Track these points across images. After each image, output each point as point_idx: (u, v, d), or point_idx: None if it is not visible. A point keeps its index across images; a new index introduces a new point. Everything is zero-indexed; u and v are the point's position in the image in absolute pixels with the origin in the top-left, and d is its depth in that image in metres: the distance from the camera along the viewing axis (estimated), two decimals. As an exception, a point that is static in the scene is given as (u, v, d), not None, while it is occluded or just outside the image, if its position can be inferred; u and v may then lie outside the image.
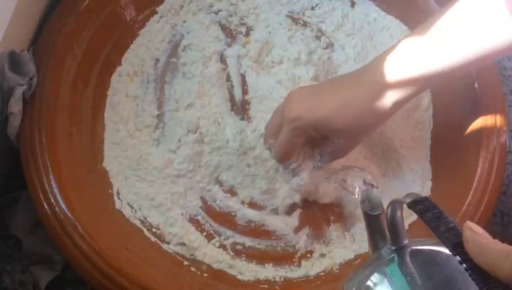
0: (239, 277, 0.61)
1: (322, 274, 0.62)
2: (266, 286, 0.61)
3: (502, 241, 0.67)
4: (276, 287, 0.61)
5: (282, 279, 0.62)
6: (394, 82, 0.56)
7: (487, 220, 0.60)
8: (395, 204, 0.42)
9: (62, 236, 0.57)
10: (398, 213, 0.43)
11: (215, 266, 0.62)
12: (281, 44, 0.72)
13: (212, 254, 0.62)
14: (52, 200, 0.58)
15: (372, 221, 0.46)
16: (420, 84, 0.56)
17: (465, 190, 0.61)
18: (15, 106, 0.59)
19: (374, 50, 0.72)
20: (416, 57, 0.56)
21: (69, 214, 0.57)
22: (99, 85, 0.68)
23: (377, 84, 0.57)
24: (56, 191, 0.58)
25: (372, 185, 0.48)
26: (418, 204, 0.40)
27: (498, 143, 0.62)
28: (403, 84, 0.56)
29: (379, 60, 0.58)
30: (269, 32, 0.73)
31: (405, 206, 0.41)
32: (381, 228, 0.45)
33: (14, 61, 0.60)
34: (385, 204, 0.44)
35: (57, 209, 0.57)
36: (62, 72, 0.64)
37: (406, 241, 0.44)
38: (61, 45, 0.64)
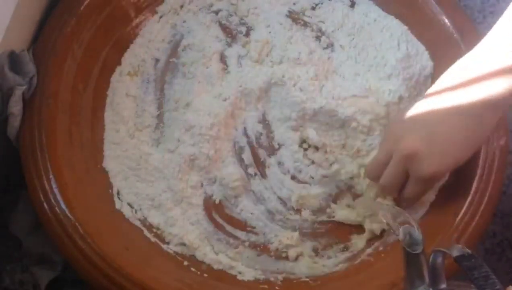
0: (239, 277, 0.61)
1: (322, 274, 0.62)
2: (266, 286, 0.61)
3: (502, 241, 0.68)
4: (276, 287, 0.61)
5: (282, 278, 0.62)
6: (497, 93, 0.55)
7: (487, 220, 0.60)
8: (439, 253, 0.43)
9: (62, 236, 0.57)
10: (440, 259, 0.44)
11: (215, 266, 0.62)
12: (281, 44, 0.72)
13: (212, 254, 0.62)
14: (52, 200, 0.58)
15: (411, 259, 0.46)
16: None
17: (465, 190, 0.61)
18: (15, 106, 0.59)
19: (374, 50, 0.71)
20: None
21: (69, 214, 0.57)
22: (99, 85, 0.68)
23: (480, 107, 0.56)
24: (56, 191, 0.58)
25: (413, 225, 0.48)
26: (465, 260, 0.40)
27: (498, 143, 0.62)
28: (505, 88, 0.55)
29: (462, 75, 0.57)
30: (269, 32, 0.73)
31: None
32: (420, 267, 0.46)
33: (14, 61, 0.60)
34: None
35: (57, 209, 0.57)
36: (62, 72, 0.64)
37: (443, 285, 0.44)
38: (61, 45, 0.64)
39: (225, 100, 0.68)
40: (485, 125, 0.57)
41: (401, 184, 0.60)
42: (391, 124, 0.64)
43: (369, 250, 0.63)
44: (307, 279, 0.62)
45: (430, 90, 0.60)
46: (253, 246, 0.64)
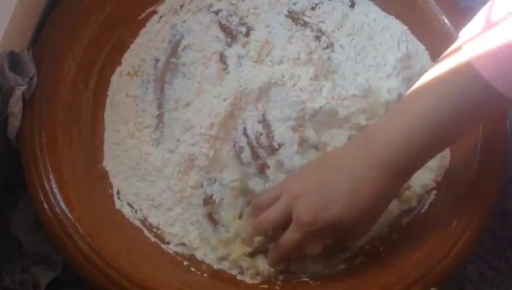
0: (239, 277, 0.61)
1: (323, 274, 0.62)
2: (266, 286, 0.61)
3: (502, 241, 0.68)
4: (276, 287, 0.61)
5: (282, 278, 0.62)
6: (391, 156, 0.55)
7: (486, 220, 0.60)
8: None
9: (62, 236, 0.57)
10: None
11: (215, 266, 0.62)
12: (281, 44, 0.72)
13: (212, 255, 0.62)
14: (52, 200, 0.58)
15: None
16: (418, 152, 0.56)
17: (464, 190, 0.61)
18: (15, 106, 0.59)
19: (374, 50, 0.72)
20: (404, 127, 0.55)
21: (69, 214, 0.57)
22: (99, 85, 0.68)
23: (375, 165, 0.56)
24: (56, 191, 0.58)
25: None
26: None
27: (498, 143, 0.62)
28: (402, 156, 0.55)
29: (363, 138, 0.58)
30: (269, 32, 0.73)
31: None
32: None
33: (14, 61, 0.60)
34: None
35: (57, 209, 0.57)
36: (62, 72, 0.64)
37: None
38: (61, 45, 0.64)
39: (225, 100, 0.68)
40: (372, 191, 0.56)
41: (275, 226, 0.59)
42: (289, 175, 0.64)
43: (369, 251, 0.63)
44: (307, 279, 0.61)
45: (331, 150, 0.62)
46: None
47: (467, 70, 0.51)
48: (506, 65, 0.50)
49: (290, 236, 0.58)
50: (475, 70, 0.51)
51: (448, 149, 0.64)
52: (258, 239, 0.60)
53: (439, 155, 0.60)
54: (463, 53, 0.52)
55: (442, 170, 0.65)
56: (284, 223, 0.59)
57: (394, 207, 0.63)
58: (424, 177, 0.64)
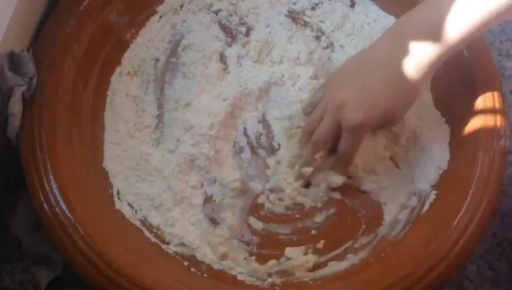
0: (239, 277, 0.61)
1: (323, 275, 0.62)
2: (266, 286, 0.61)
3: (502, 241, 0.68)
4: (276, 288, 0.61)
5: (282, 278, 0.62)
6: (424, 45, 0.58)
7: (487, 220, 0.60)
8: None
9: (62, 236, 0.57)
10: None
11: (215, 266, 0.62)
12: (281, 44, 0.72)
13: (212, 255, 0.62)
14: (52, 200, 0.58)
15: None
16: (445, 42, 0.58)
17: (465, 190, 0.61)
18: (15, 106, 0.59)
19: (374, 50, 0.72)
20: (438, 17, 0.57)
21: (69, 215, 0.57)
22: (99, 85, 0.68)
23: (408, 54, 0.59)
24: (56, 191, 0.58)
25: None
26: None
27: (498, 143, 0.62)
28: (434, 45, 0.58)
29: (397, 30, 0.61)
30: (269, 32, 0.73)
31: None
32: None
33: (14, 61, 0.60)
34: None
35: (57, 209, 0.57)
36: (62, 72, 0.64)
37: None
38: (61, 45, 0.64)
39: (225, 100, 0.68)
40: (410, 81, 0.59)
41: (332, 139, 0.62)
42: (330, 77, 0.66)
43: (369, 250, 0.63)
44: (307, 279, 0.61)
45: (365, 48, 0.64)
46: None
47: None
48: None
49: (347, 142, 0.62)
50: None
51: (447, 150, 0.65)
52: (319, 155, 0.63)
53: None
54: None
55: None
56: (337, 133, 0.62)
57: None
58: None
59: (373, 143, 0.65)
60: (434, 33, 0.57)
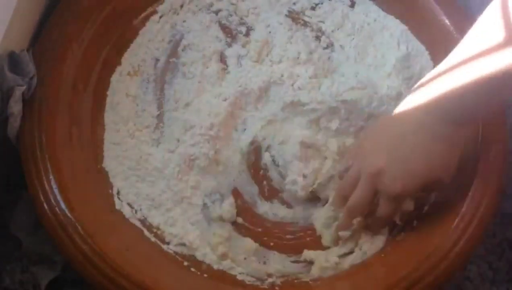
0: (239, 277, 0.61)
1: (323, 275, 0.62)
2: (266, 286, 0.61)
3: (502, 241, 0.68)
4: (276, 288, 0.61)
5: (282, 279, 0.62)
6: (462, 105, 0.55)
7: (487, 220, 0.60)
8: None
9: (62, 236, 0.57)
10: None
11: (215, 266, 0.62)
12: (281, 44, 0.72)
13: (212, 255, 0.62)
14: (52, 200, 0.58)
15: None
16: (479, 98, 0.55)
17: (465, 190, 0.61)
18: (15, 106, 0.59)
19: (374, 50, 0.72)
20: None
21: (69, 214, 0.57)
22: (99, 85, 0.68)
23: (445, 118, 0.56)
24: (56, 191, 0.58)
25: None
26: None
27: (498, 143, 0.62)
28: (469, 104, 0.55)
29: (429, 92, 0.57)
30: (269, 32, 0.73)
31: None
32: None
33: (14, 61, 0.60)
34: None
35: (57, 209, 0.57)
36: (62, 72, 0.64)
37: None
38: (61, 45, 0.64)
39: (225, 100, 0.68)
40: (448, 142, 0.57)
41: (368, 205, 0.60)
42: (361, 141, 0.64)
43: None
44: (307, 279, 0.62)
45: (399, 106, 0.60)
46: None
47: None
48: None
49: (386, 209, 0.60)
50: None
51: None
52: (357, 220, 0.61)
53: None
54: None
55: None
56: (373, 198, 0.60)
57: None
58: None
59: None
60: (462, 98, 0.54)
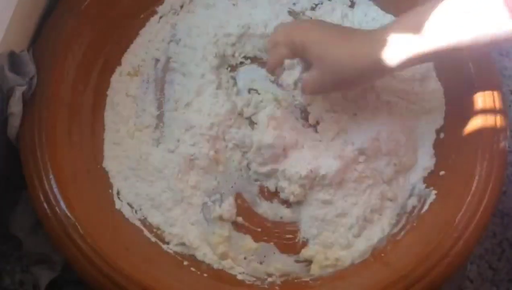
0: (239, 277, 0.61)
1: (323, 274, 0.62)
2: (266, 286, 0.61)
3: (502, 241, 0.68)
4: (276, 287, 0.61)
5: (282, 278, 0.62)
6: (399, 44, 0.58)
7: (487, 220, 0.60)
8: None
9: (62, 236, 0.57)
10: None
11: (215, 266, 0.62)
12: (281, 44, 0.72)
13: (212, 254, 0.62)
14: (52, 200, 0.58)
15: None
16: (422, 50, 0.57)
17: (465, 190, 0.61)
18: (15, 106, 0.59)
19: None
20: (419, 29, 0.57)
21: (69, 214, 0.57)
22: (99, 85, 0.68)
23: (384, 40, 0.58)
24: (56, 191, 0.58)
25: None
26: None
27: (498, 143, 0.62)
28: (405, 49, 0.58)
29: (388, 27, 0.60)
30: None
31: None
32: None
33: (14, 61, 0.60)
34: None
35: (57, 209, 0.57)
36: (62, 72, 0.64)
37: None
38: (61, 45, 0.64)
39: (225, 100, 0.68)
40: (351, 47, 0.59)
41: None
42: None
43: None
44: (307, 279, 0.62)
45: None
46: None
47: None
48: None
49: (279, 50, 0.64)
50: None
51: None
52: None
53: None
54: None
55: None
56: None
57: None
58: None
59: None
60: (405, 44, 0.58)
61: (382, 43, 0.58)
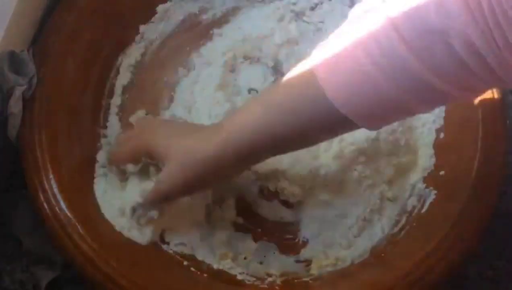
0: (239, 277, 0.61)
1: (323, 274, 0.62)
2: (266, 286, 0.61)
3: (502, 241, 0.67)
4: (276, 287, 0.61)
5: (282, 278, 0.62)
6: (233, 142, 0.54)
7: (487, 220, 0.60)
8: None
9: (62, 236, 0.57)
10: None
11: (215, 266, 0.62)
12: (281, 44, 0.72)
13: (212, 255, 0.62)
14: (52, 200, 0.58)
15: None
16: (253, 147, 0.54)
17: (465, 190, 0.61)
18: (15, 106, 0.59)
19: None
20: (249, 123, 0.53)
21: (69, 215, 0.57)
22: (99, 85, 0.68)
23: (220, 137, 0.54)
24: (56, 191, 0.58)
25: None
26: None
27: (498, 143, 0.63)
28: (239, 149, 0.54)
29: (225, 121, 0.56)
30: (270, 32, 0.73)
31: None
32: None
33: (14, 61, 0.60)
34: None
35: (57, 209, 0.57)
36: (62, 72, 0.64)
37: None
38: (61, 45, 0.64)
39: (226, 100, 0.68)
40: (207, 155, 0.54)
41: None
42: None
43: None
44: (307, 279, 0.62)
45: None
46: (253, 246, 0.64)
47: (309, 78, 0.48)
48: (343, 77, 0.46)
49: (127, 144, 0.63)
50: (316, 80, 0.47)
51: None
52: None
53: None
54: (310, 58, 0.49)
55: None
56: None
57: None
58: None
59: None
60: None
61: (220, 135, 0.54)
